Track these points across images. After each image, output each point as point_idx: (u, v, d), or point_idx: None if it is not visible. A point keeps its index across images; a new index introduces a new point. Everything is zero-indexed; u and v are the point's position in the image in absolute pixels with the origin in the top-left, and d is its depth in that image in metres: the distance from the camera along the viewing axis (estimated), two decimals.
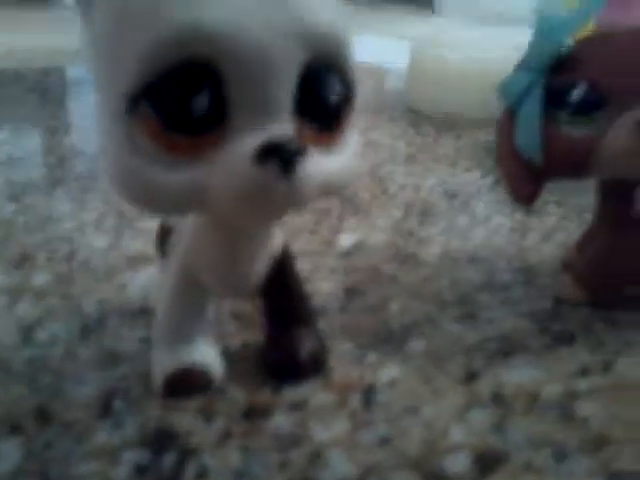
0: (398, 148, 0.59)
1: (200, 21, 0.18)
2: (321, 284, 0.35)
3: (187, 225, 0.26)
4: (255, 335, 0.29)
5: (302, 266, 0.35)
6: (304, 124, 0.20)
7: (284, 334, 0.27)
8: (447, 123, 0.65)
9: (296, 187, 0.19)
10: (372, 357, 0.28)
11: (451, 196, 0.47)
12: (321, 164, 0.21)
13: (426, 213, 0.44)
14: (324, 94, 0.21)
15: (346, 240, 0.40)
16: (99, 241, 0.41)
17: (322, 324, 0.31)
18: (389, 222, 0.43)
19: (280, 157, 0.19)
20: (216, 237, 0.24)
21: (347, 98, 0.21)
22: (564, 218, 0.43)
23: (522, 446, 0.23)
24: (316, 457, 0.23)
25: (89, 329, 0.31)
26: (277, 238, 0.26)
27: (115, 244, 0.40)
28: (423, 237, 0.40)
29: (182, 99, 0.18)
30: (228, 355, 0.28)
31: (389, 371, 0.27)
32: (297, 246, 0.38)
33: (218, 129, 0.19)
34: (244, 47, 0.18)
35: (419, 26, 1.38)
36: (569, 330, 0.30)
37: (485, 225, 0.42)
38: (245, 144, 0.19)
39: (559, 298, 0.33)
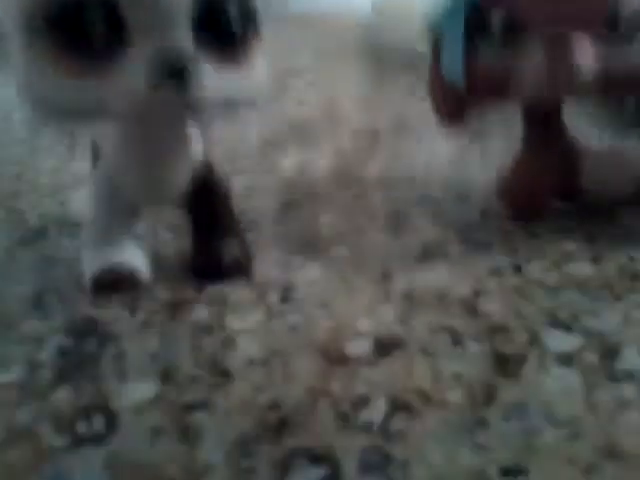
0: (358, 81, 0.59)
1: None
2: (259, 200, 0.36)
3: (107, 136, 0.27)
4: (187, 244, 0.30)
5: (243, 184, 0.37)
6: (204, 42, 0.22)
7: (209, 241, 0.29)
8: (411, 57, 0.65)
9: (190, 100, 0.20)
10: (296, 262, 0.30)
11: (401, 124, 0.48)
12: (220, 79, 0.22)
13: (373, 139, 0.45)
14: (222, 14, 0.22)
15: (289, 162, 0.41)
16: (48, 163, 0.42)
17: (254, 235, 0.32)
18: (336, 147, 0.43)
19: (172, 75, 0.20)
20: (131, 145, 0.25)
21: (248, 19, 0.23)
22: (504, 142, 0.43)
23: (422, 334, 0.25)
24: (227, 343, 0.24)
25: (30, 237, 0.32)
26: (196, 149, 0.27)
27: (63, 166, 0.41)
28: (365, 160, 0.41)
29: (80, 20, 0.19)
30: (158, 261, 0.30)
31: (309, 273, 0.29)
32: (241, 166, 0.40)
33: (117, 48, 0.20)
34: None
35: None
36: (488, 239, 0.32)
37: (429, 150, 0.43)
38: (141, 63, 0.20)
39: (485, 212, 0.34)
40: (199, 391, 0.22)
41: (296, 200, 0.36)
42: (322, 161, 0.41)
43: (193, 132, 0.28)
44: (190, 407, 0.21)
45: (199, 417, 0.21)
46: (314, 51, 0.74)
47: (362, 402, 0.21)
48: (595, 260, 0.30)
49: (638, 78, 0.27)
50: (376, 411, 0.21)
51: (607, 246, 0.31)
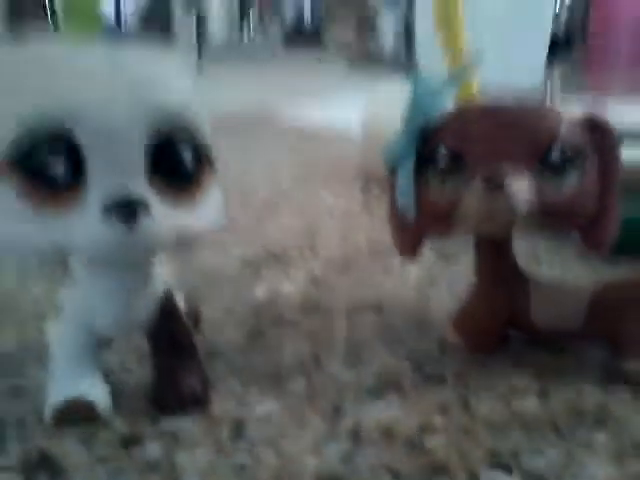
0: (338, 206, 0.62)
1: (61, 104, 0.22)
2: (227, 329, 0.37)
3: (76, 274, 0.29)
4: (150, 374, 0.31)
5: (212, 315, 0.38)
6: (159, 185, 0.24)
7: (168, 371, 0.30)
8: None
9: (139, 237, 0.23)
10: (253, 394, 0.31)
11: (374, 250, 0.50)
12: (173, 217, 0.24)
13: (345, 266, 0.47)
14: (174, 158, 0.25)
15: (260, 290, 0.43)
16: (36, 288, 0.44)
17: (218, 364, 0.34)
18: (307, 274, 0.45)
19: (123, 211, 0.22)
20: (95, 280, 0.27)
21: (200, 161, 0.25)
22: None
23: (364, 474, 0.25)
24: None
25: (3, 365, 0.34)
26: (158, 281, 0.29)
27: (51, 293, 0.43)
28: (334, 288, 0.43)
29: (44, 161, 0.22)
30: (120, 389, 0.31)
31: (263, 407, 0.30)
32: (214, 295, 0.41)
33: (77, 188, 0.23)
34: (96, 120, 0.22)
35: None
36: (441, 373, 0.33)
37: (397, 276, 0.45)
38: (96, 202, 0.23)
39: (443, 343, 0.35)
40: None
41: (262, 329, 0.37)
42: (293, 288, 0.43)
43: (157, 261, 0.30)
44: None
45: None
46: (303, 171, 0.78)
47: None
48: (542, 394, 0.30)
49: (570, 210, 0.29)
50: None
51: (555, 379, 0.32)
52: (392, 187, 0.33)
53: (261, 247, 0.51)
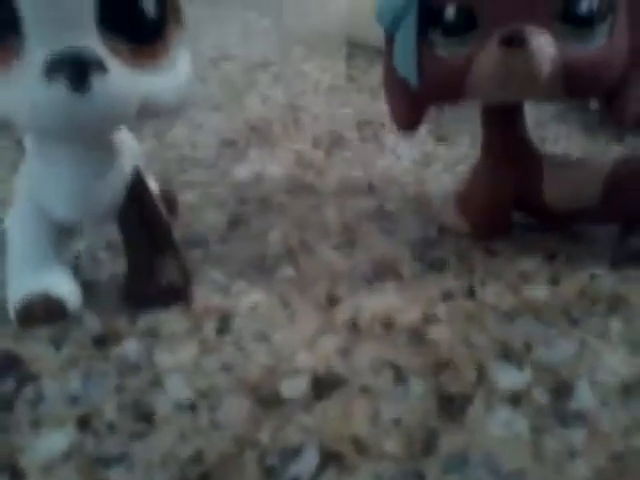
0: (323, 79, 0.57)
1: None
2: (206, 215, 0.34)
3: (28, 151, 0.25)
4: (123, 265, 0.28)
5: (189, 197, 0.35)
6: (114, 40, 0.20)
7: (143, 261, 0.27)
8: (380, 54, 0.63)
9: (90, 103, 0.18)
10: (239, 285, 0.28)
11: (363, 126, 0.46)
12: (132, 82, 0.20)
13: (334, 144, 0.43)
14: (131, 8, 0.20)
15: (242, 171, 0.39)
16: None
17: (197, 254, 0.31)
18: (293, 153, 0.42)
19: (69, 71, 0.18)
20: (49, 159, 0.23)
21: (164, 14, 0.20)
22: (472, 148, 0.42)
23: (363, 371, 0.23)
24: (154, 383, 0.23)
25: None
26: (126, 161, 0.25)
27: (8, 177, 0.39)
28: (323, 168, 0.39)
29: None
30: (93, 286, 0.28)
31: (251, 298, 0.27)
32: (189, 177, 0.38)
33: (10, 44, 0.18)
34: None
35: None
36: (443, 258, 0.30)
37: (390, 155, 0.41)
38: (37, 60, 0.18)
39: (443, 227, 0.32)
40: (118, 442, 0.20)
41: (247, 213, 0.34)
42: (278, 168, 0.39)
43: (124, 138, 0.26)
44: (106, 461, 0.20)
45: (115, 473, 0.19)
46: (285, 38, 0.71)
47: (292, 453, 0.20)
48: (554, 281, 0.28)
49: (597, 72, 0.26)
50: (306, 464, 0.19)
51: (567, 265, 0.29)
52: (389, 51, 0.29)
53: (241, 123, 0.47)
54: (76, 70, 0.18)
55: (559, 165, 0.30)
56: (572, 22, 0.25)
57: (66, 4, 0.18)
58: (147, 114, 0.21)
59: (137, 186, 0.26)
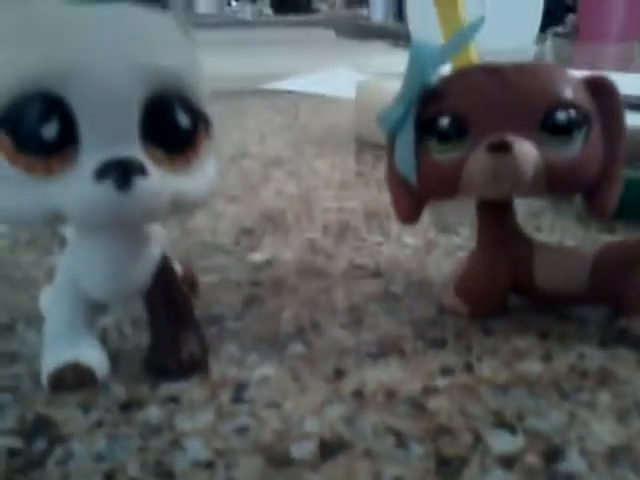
0: (333, 175, 0.61)
1: (52, 61, 0.21)
2: (223, 296, 0.37)
3: (71, 238, 0.28)
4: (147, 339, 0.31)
5: (208, 279, 0.38)
6: (153, 149, 0.23)
7: (166, 336, 0.29)
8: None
9: (133, 200, 0.22)
10: (252, 359, 0.30)
11: (370, 217, 0.49)
12: (168, 183, 0.23)
13: (342, 233, 0.46)
14: (170, 122, 0.24)
15: (257, 257, 0.42)
16: (27, 256, 0.43)
17: (215, 330, 0.33)
18: (304, 241, 0.45)
19: (117, 173, 0.22)
20: (90, 241, 0.27)
21: (196, 125, 0.24)
22: (471, 238, 0.45)
23: (367, 436, 0.25)
24: (174, 444, 0.25)
25: None
26: (155, 247, 0.29)
27: (42, 260, 0.43)
28: (332, 254, 0.43)
29: (35, 124, 0.21)
30: (119, 357, 0.30)
31: (263, 370, 0.29)
32: (209, 263, 0.41)
33: (68, 151, 0.22)
34: (89, 82, 0.21)
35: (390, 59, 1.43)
36: (443, 336, 0.32)
37: (395, 243, 0.44)
38: (90, 165, 0.22)
39: (443, 309, 0.35)
40: None
41: (261, 294, 0.37)
42: (291, 254, 0.42)
43: (153, 227, 0.30)
44: None
45: None
46: (297, 136, 0.77)
47: None
48: (546, 358, 0.30)
49: (575, 174, 0.29)
50: None
51: (558, 343, 0.31)
52: (391, 153, 0.33)
53: (257, 213, 0.51)
54: (122, 172, 0.22)
55: (549, 252, 0.33)
56: (551, 131, 0.28)
57: (116, 121, 0.22)
58: (178, 209, 0.25)
59: (164, 269, 0.29)
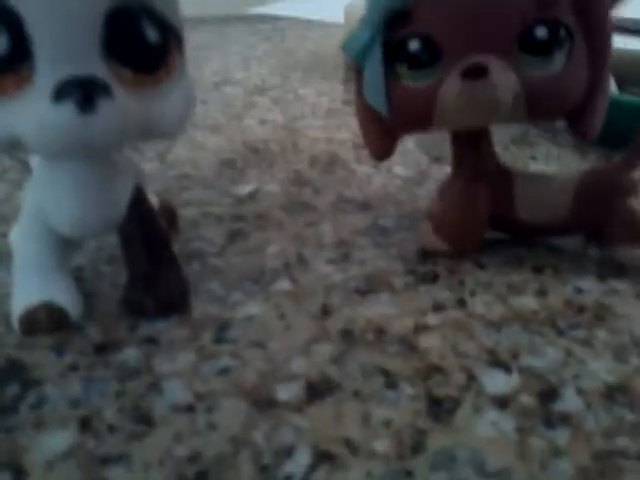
0: (321, 103, 0.59)
1: None
2: (205, 231, 0.35)
3: (34, 170, 0.26)
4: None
5: (189, 213, 0.36)
6: (119, 67, 0.21)
7: (143, 274, 0.28)
8: None
9: (96, 124, 0.20)
10: (235, 296, 0.29)
11: (360, 148, 0.47)
12: (136, 106, 0.21)
13: (330, 164, 0.44)
14: (136, 36, 0.21)
15: (241, 190, 0.40)
16: None
17: (195, 266, 0.31)
18: (290, 173, 0.43)
19: (77, 94, 0.19)
20: (54, 176, 0.25)
21: (166, 43, 0.22)
22: None
23: (356, 376, 0.24)
24: (153, 387, 0.24)
25: None
26: (127, 178, 0.26)
27: (11, 194, 0.40)
28: (320, 186, 0.41)
29: None
30: (94, 296, 0.29)
31: (247, 309, 0.28)
32: (190, 196, 0.39)
33: (23, 70, 0.20)
34: None
35: None
36: (434, 271, 0.31)
37: (385, 174, 0.43)
38: (47, 85, 0.19)
39: (422, 249, 0.32)
40: (118, 441, 0.21)
41: (244, 229, 0.35)
42: (276, 187, 0.40)
43: (125, 157, 0.27)
44: (106, 460, 0.20)
45: (114, 471, 0.20)
46: (283, 62, 0.73)
47: (286, 453, 0.21)
48: (541, 293, 0.29)
49: (557, 97, 0.27)
50: (298, 463, 0.20)
51: (554, 277, 0.30)
52: (359, 82, 0.30)
53: (240, 143, 0.48)
54: (83, 93, 0.19)
55: (529, 181, 0.31)
56: (530, 50, 0.26)
57: (74, 36, 0.20)
58: (149, 135, 0.23)
59: (138, 201, 0.27)
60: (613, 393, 0.23)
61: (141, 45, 0.21)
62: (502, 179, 0.31)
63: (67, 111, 0.19)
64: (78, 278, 0.30)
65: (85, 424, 0.22)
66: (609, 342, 0.26)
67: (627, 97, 0.45)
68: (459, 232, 0.32)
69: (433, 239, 0.32)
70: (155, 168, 0.43)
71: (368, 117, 0.30)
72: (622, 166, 0.30)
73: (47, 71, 0.20)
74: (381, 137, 0.30)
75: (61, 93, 0.19)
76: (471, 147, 0.30)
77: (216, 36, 0.93)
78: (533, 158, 0.45)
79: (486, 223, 0.31)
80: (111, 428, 0.22)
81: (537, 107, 0.27)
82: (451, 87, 0.26)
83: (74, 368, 0.25)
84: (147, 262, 0.28)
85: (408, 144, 0.47)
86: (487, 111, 0.26)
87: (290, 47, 0.85)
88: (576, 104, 0.27)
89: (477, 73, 0.25)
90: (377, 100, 0.28)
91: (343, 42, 0.29)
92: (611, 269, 0.31)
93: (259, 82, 0.67)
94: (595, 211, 0.30)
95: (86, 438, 0.21)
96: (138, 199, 0.27)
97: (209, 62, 0.75)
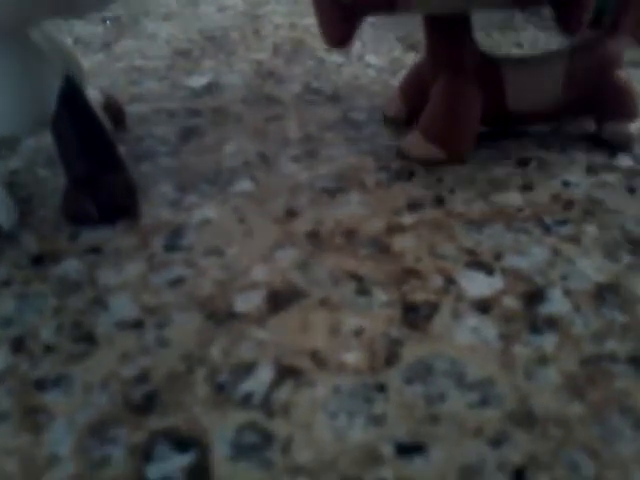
0: None
1: None
2: (156, 128, 0.31)
3: None
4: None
5: (139, 109, 0.32)
6: None
7: (82, 176, 0.24)
8: None
9: None
10: (190, 199, 0.26)
11: None
12: None
13: (296, 52, 0.40)
14: None
15: (196, 82, 0.36)
16: None
17: (146, 167, 0.28)
18: (251, 63, 0.39)
19: None
20: None
21: None
22: None
23: (324, 283, 0.22)
24: (96, 302, 0.21)
25: None
26: (55, 71, 0.23)
27: None
28: (285, 76, 0.37)
29: None
30: (30, 203, 0.26)
31: (203, 212, 0.25)
32: (140, 90, 0.35)
33: None
34: None
35: None
36: (410, 167, 0.28)
37: (357, 64, 0.39)
38: None
39: (406, 156, 0.29)
40: (55, 364, 0.19)
41: (200, 125, 0.32)
42: (235, 78, 0.36)
43: (53, 43, 0.23)
44: (41, 384, 0.18)
45: (50, 397, 0.18)
46: None
47: (244, 370, 0.18)
48: (526, 188, 0.27)
49: None
50: (259, 380, 0.18)
51: (540, 171, 0.28)
52: None
53: (195, 32, 0.43)
54: None
55: (519, 70, 0.28)
56: None
57: None
58: (64, 10, 0.19)
59: (70, 94, 0.23)
60: (603, 293, 0.21)
61: None
62: (489, 71, 0.28)
63: None
64: (13, 183, 0.27)
65: (19, 345, 0.19)
66: (599, 239, 0.24)
67: None
68: (455, 137, 0.28)
69: (428, 149, 0.28)
70: (100, 60, 0.39)
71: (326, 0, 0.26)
72: (607, 37, 0.27)
73: None
74: (339, 20, 0.26)
75: None
76: (449, 38, 0.27)
77: None
78: (518, 45, 0.41)
79: (479, 120, 0.28)
80: (48, 349, 0.19)
81: None
82: None
83: (7, 283, 0.22)
84: (85, 163, 0.24)
85: (381, 30, 0.42)
86: None
87: None
88: None
89: None
90: None
91: None
92: (601, 160, 0.28)
93: None
94: (585, 88, 0.28)
95: (20, 360, 0.19)
96: (69, 91, 0.23)
97: None
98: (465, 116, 0.28)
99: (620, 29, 0.27)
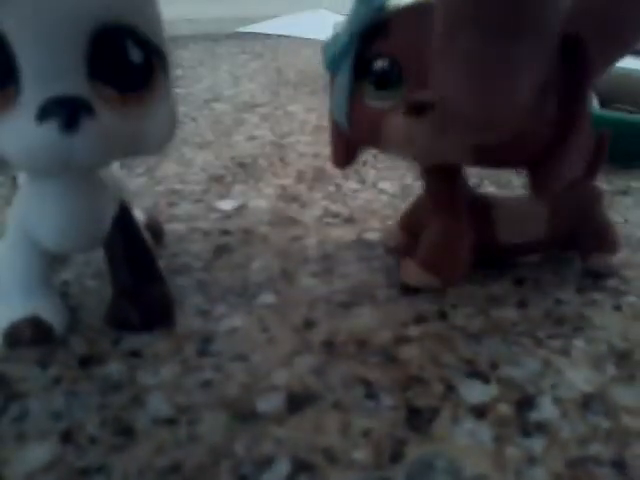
0: (309, 120, 0.59)
1: None
2: (191, 245, 0.35)
3: (21, 185, 0.27)
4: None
5: (176, 228, 0.36)
6: (103, 87, 0.21)
7: (127, 288, 0.28)
8: None
9: (80, 143, 0.20)
10: (219, 310, 0.29)
11: None
12: (119, 125, 0.21)
13: (317, 179, 0.45)
14: (120, 56, 0.22)
15: (227, 205, 0.41)
16: None
17: (181, 281, 0.32)
18: (277, 188, 0.43)
19: (60, 114, 0.20)
20: (39, 192, 0.25)
21: (150, 63, 0.22)
22: None
23: (336, 387, 0.24)
24: (135, 400, 0.24)
25: None
26: (112, 194, 0.27)
27: (2, 211, 0.41)
28: (306, 201, 0.41)
29: None
30: (79, 310, 0.29)
31: (231, 322, 0.28)
32: (177, 211, 0.39)
33: (8, 90, 0.20)
34: (28, 12, 0.19)
35: None
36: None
37: (371, 189, 0.43)
38: (32, 106, 0.20)
39: (406, 284, 0.31)
40: (98, 454, 0.21)
41: (230, 243, 0.35)
42: (262, 202, 0.41)
43: (111, 173, 0.28)
44: (85, 472, 0.21)
45: None
46: (272, 80, 0.74)
47: (265, 463, 0.21)
48: (521, 304, 0.30)
49: (511, 144, 0.24)
50: (278, 473, 0.20)
51: (534, 289, 0.31)
52: (332, 92, 0.29)
53: (228, 159, 0.49)
54: (66, 112, 0.20)
55: (507, 207, 0.31)
56: None
57: (59, 55, 0.20)
58: (133, 153, 0.23)
59: (122, 218, 0.27)
60: (589, 402, 0.23)
61: (125, 65, 0.22)
62: (480, 209, 0.31)
63: (50, 130, 0.20)
64: (64, 293, 0.30)
65: (66, 437, 0.22)
66: (587, 352, 0.26)
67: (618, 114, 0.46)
68: (451, 268, 0.30)
69: (424, 277, 0.30)
70: (143, 184, 0.44)
71: (333, 126, 0.30)
72: (586, 176, 0.30)
73: (32, 91, 0.20)
74: (343, 148, 0.30)
75: (45, 113, 0.20)
76: (440, 180, 0.30)
77: (207, 54, 0.94)
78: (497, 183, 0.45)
79: (472, 253, 0.30)
80: (92, 440, 0.22)
81: (484, 155, 0.25)
82: (395, 115, 0.24)
83: (58, 381, 0.25)
84: (131, 277, 0.28)
85: (394, 158, 0.47)
86: (426, 150, 0.24)
87: (280, 65, 0.87)
88: (537, 155, 0.25)
89: (417, 109, 0.23)
90: (340, 112, 0.27)
91: (322, 47, 0.28)
92: (590, 281, 0.31)
93: (248, 99, 0.68)
94: (569, 223, 0.31)
95: (67, 450, 0.21)
96: (123, 215, 0.27)
97: (199, 79, 0.76)
98: (458, 249, 0.30)
99: (597, 171, 0.31)
